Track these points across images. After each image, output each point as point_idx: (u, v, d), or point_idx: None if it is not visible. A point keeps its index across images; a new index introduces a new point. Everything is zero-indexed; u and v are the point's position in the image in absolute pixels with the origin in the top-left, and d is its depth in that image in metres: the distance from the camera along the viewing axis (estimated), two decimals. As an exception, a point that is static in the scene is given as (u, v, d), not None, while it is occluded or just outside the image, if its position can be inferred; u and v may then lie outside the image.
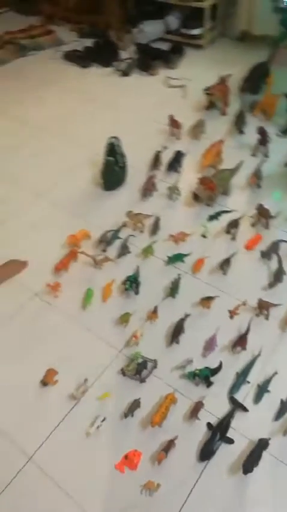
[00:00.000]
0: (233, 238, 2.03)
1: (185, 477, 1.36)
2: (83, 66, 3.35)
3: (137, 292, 1.84)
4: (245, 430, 1.44)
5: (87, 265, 1.97)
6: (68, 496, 1.34)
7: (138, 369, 1.58)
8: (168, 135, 2.64)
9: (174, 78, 3.16)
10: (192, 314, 1.75)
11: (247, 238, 2.03)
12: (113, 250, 2.02)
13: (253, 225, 2.09)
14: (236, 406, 1.48)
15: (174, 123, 2.59)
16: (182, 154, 2.46)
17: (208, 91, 2.76)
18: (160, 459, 1.36)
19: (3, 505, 1.33)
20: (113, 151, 2.26)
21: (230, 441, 1.41)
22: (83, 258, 1.97)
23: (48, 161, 2.54)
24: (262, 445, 1.37)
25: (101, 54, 3.40)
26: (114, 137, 2.28)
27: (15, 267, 1.93)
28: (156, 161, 2.43)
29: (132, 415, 1.48)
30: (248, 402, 1.50)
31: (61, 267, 1.92)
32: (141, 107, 2.93)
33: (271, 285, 1.83)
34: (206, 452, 1.38)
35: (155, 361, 1.61)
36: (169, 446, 1.39)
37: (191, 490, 1.34)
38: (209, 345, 1.64)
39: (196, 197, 2.20)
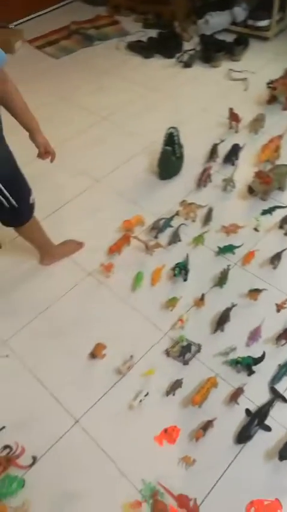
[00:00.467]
0: (286, 234, 2.03)
1: (221, 458, 1.42)
2: (146, 56, 3.40)
3: (185, 279, 1.90)
4: (284, 420, 1.47)
5: (138, 250, 2.06)
6: (110, 459, 1.44)
7: (182, 351, 1.65)
8: (227, 128, 2.64)
9: (237, 71, 3.13)
10: (238, 304, 1.79)
11: (300, 234, 2.02)
12: (164, 238, 2.09)
13: (307, 222, 2.07)
14: (276, 396, 1.51)
15: (233, 116, 2.59)
16: (239, 147, 2.46)
17: (271, 85, 2.73)
18: (198, 437, 1.43)
19: (49, 461, 1.46)
20: (172, 141, 2.31)
21: (268, 428, 1.44)
22: (135, 242, 2.06)
23: (107, 148, 2.63)
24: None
25: (164, 45, 3.44)
26: (174, 127, 2.33)
27: (72, 246, 2.06)
28: (213, 153, 2.45)
29: (173, 394, 1.56)
30: (288, 394, 1.53)
31: (115, 249, 2.02)
32: (201, 98, 2.95)
33: None
34: (243, 436, 1.43)
35: (199, 346, 1.67)
36: (207, 425, 1.45)
37: (225, 470, 1.40)
38: (254, 335, 1.67)
39: (251, 190, 2.21)
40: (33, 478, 1.42)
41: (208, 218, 2.13)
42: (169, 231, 2.11)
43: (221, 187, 2.28)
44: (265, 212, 2.13)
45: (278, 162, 2.33)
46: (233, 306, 1.77)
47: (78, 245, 2.07)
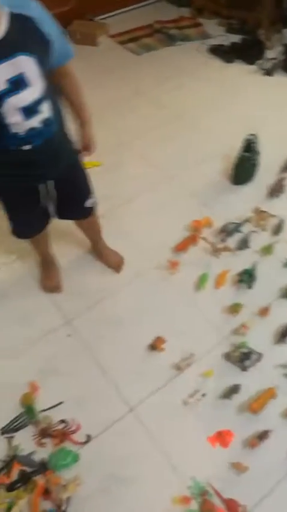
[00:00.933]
0: None
1: (273, 470, 1.41)
2: (227, 61, 3.39)
3: (250, 286, 1.89)
4: None
5: (204, 251, 2.06)
6: (161, 451, 1.46)
7: (242, 358, 1.64)
8: (305, 140, 2.59)
9: None
10: (305, 319, 1.76)
11: None
12: (231, 242, 2.08)
13: None
14: None
15: (313, 129, 2.54)
16: None
17: None
18: (253, 445, 1.42)
19: (102, 442, 1.50)
20: (250, 148, 2.30)
21: None
22: (201, 243, 2.07)
23: (181, 146, 2.65)
24: None
25: (246, 51, 3.42)
26: (253, 134, 2.32)
27: (116, 260, 2.02)
28: (288, 164, 2.42)
29: (230, 398, 1.55)
30: None
31: (181, 247, 2.03)
32: (280, 107, 2.91)
33: None
34: (300, 452, 1.40)
35: (259, 355, 1.65)
36: (263, 435, 1.44)
37: (277, 485, 1.38)
38: None
39: None
40: (85, 455, 1.47)
41: (278, 228, 2.10)
42: (236, 236, 2.10)
43: (294, 200, 2.25)
44: None
45: None
46: (299, 320, 1.75)
47: (118, 266, 2.01)
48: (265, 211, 2.16)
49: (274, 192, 2.27)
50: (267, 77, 3.23)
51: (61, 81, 1.40)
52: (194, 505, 1.35)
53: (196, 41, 3.71)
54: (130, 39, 3.82)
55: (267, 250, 2.01)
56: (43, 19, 1.19)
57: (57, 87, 1.39)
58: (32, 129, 1.29)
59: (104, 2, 4.05)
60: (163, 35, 3.81)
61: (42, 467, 1.43)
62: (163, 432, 1.51)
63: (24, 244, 1.85)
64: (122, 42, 3.78)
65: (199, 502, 1.34)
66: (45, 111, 1.29)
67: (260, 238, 2.09)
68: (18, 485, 1.39)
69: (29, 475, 1.41)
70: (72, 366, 1.70)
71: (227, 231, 2.10)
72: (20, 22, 1.15)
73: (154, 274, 1.99)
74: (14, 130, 1.27)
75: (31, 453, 1.47)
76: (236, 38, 3.60)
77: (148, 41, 3.77)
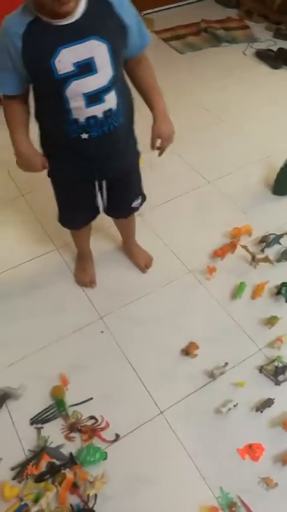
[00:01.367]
0: None
1: (303, 489, 1.39)
2: (274, 67, 3.34)
3: (287, 300, 1.86)
4: None
5: (242, 259, 2.04)
6: (190, 458, 1.45)
7: (276, 371, 1.62)
8: None
9: None
10: None
11: None
12: (270, 254, 2.05)
13: None
14: None
15: None
16: None
17: None
18: (286, 461, 1.40)
19: (130, 443, 1.49)
20: (295, 159, 2.26)
21: None
22: (240, 251, 2.04)
23: (222, 151, 2.62)
24: None
25: (294, 58, 3.37)
26: (300, 145, 2.28)
27: (145, 259, 2.01)
28: None
29: (262, 411, 1.54)
30: None
31: (220, 253, 2.01)
32: None
33: None
34: None
35: (294, 370, 1.63)
36: (296, 453, 1.42)
37: (307, 504, 1.36)
38: None
39: None
40: (113, 454, 1.47)
41: None
42: (275, 248, 2.07)
43: None
44: None
45: None
46: None
47: (146, 266, 1.99)
48: (306, 225, 2.12)
49: None
50: (314, 87, 3.17)
51: (135, 67, 1.34)
52: (221, 515, 1.34)
53: (242, 43, 3.66)
54: (175, 36, 3.78)
55: (306, 264, 1.98)
56: (123, 5, 1.17)
57: (131, 73, 1.35)
58: (92, 118, 1.25)
59: (151, -3, 4.02)
60: (209, 34, 3.76)
61: (71, 461, 1.43)
62: (192, 439, 1.50)
63: (62, 235, 1.85)
64: (166, 39, 3.75)
65: (226, 514, 1.34)
66: (110, 101, 1.25)
67: (300, 252, 2.05)
68: (47, 476, 1.40)
69: (58, 467, 1.42)
70: (103, 363, 1.70)
71: (267, 241, 2.07)
72: (99, 6, 1.13)
73: (190, 277, 1.98)
74: (75, 116, 1.24)
75: (60, 446, 1.48)
76: (284, 44, 3.54)
77: (193, 39, 3.73)
